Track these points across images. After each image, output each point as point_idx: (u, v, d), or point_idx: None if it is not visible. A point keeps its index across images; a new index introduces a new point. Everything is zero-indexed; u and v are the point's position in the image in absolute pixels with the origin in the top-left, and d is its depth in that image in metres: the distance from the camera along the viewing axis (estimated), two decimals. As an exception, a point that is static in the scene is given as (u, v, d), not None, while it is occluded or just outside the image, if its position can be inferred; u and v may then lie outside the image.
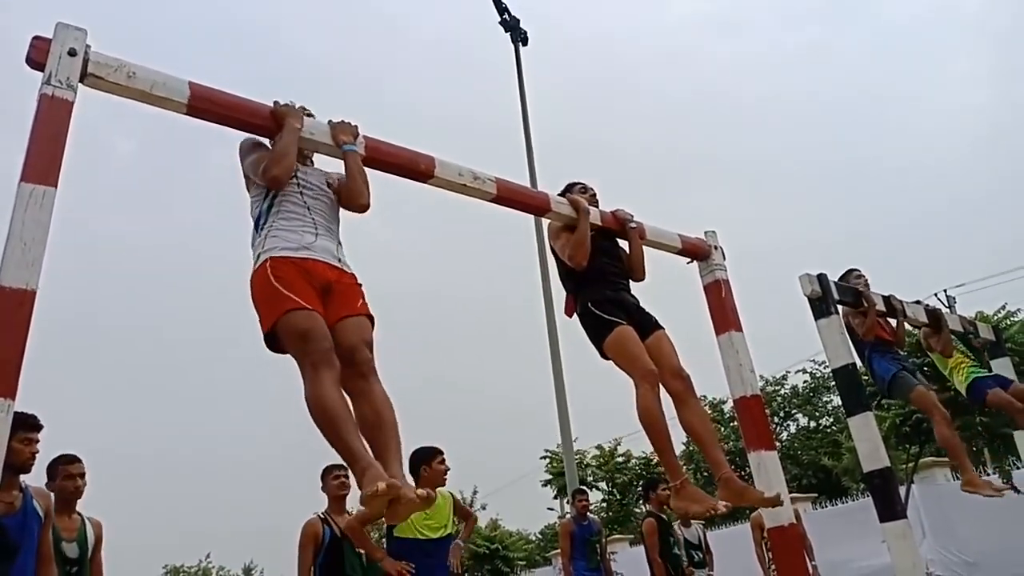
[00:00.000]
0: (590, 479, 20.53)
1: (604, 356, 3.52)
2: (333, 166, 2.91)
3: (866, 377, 5.49)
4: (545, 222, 3.76)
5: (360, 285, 2.69)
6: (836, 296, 4.72)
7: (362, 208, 2.76)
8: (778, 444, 29.90)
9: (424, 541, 3.92)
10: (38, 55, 2.25)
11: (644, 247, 3.77)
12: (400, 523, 3.88)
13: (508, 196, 3.24)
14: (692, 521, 7.22)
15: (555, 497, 22.14)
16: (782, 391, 31.31)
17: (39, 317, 2.01)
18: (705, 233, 4.02)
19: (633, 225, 3.68)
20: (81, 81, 2.31)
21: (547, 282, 12.95)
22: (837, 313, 4.64)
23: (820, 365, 29.62)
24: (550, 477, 20.53)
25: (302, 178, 2.72)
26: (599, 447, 22.59)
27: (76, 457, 3.63)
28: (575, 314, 3.65)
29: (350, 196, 2.75)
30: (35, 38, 2.27)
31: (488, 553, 19.47)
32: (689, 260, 3.99)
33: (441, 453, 4.14)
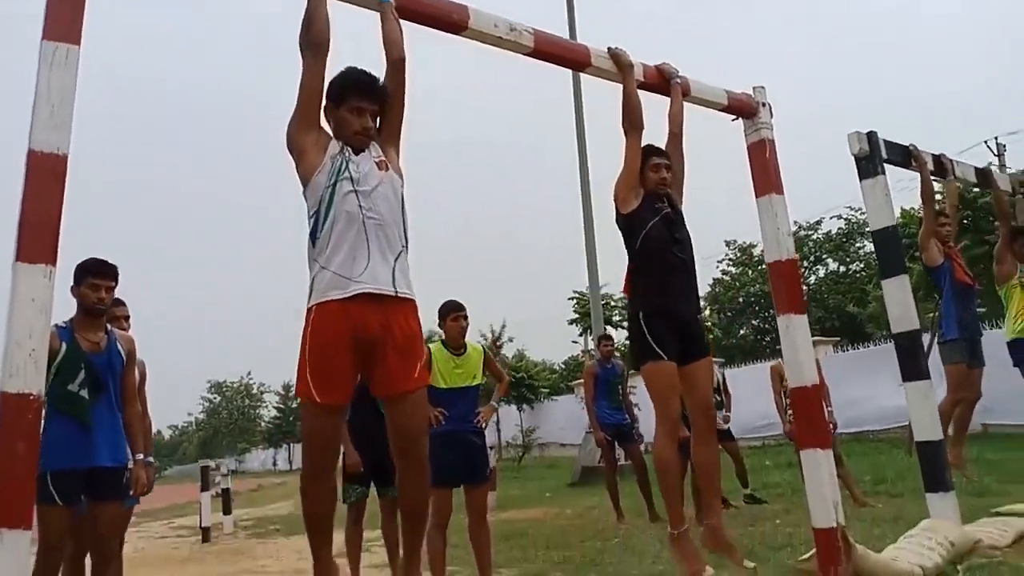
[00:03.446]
0: (616, 319, 21.00)
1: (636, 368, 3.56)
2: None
3: (906, 240, 5.47)
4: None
5: (415, 315, 2.59)
6: (884, 155, 4.53)
7: (398, 63, 2.64)
8: (805, 288, 30.15)
9: (453, 390, 4.08)
10: None
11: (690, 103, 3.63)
12: (435, 375, 4.06)
13: (546, 50, 3.07)
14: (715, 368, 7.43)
15: (580, 335, 22.80)
16: (815, 236, 31.11)
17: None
18: (753, 89, 3.81)
19: (677, 80, 3.49)
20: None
21: (581, 127, 12.62)
22: (883, 173, 4.48)
23: (857, 211, 29.15)
24: (576, 317, 21.01)
25: (354, 172, 2.52)
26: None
27: (105, 269, 3.39)
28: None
29: (386, 51, 2.62)
30: None
31: (514, 381, 20.40)
32: (734, 117, 3.82)
33: (458, 310, 4.17)
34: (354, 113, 2.57)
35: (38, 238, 1.90)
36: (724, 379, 7.64)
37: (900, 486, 7.13)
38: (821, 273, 30.98)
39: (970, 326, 5.29)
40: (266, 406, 65.06)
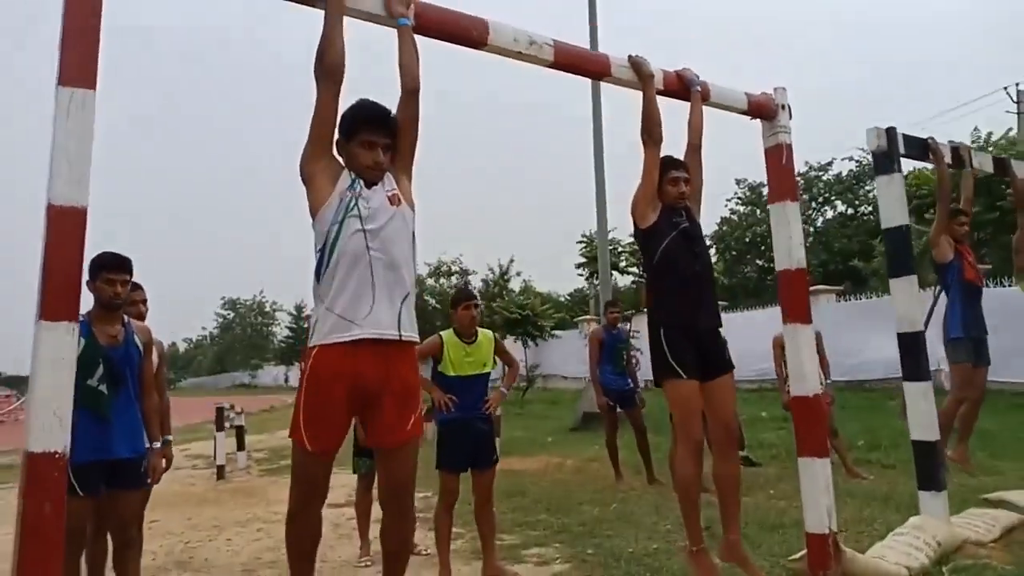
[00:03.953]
0: (622, 264, 20.97)
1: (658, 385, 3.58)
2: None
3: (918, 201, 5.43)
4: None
5: (415, 362, 2.62)
6: (902, 150, 4.48)
7: (412, 92, 2.59)
8: (811, 230, 29.90)
9: (464, 377, 4.16)
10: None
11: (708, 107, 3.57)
12: (445, 363, 4.16)
13: (566, 61, 3.02)
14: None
15: (587, 279, 22.78)
16: (824, 177, 30.71)
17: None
18: (775, 90, 3.74)
19: (697, 88, 3.43)
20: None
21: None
22: (900, 171, 4.44)
23: (869, 154, 28.67)
24: (584, 261, 20.97)
25: (363, 209, 2.47)
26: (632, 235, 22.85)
27: (121, 264, 3.41)
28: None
29: (401, 79, 2.58)
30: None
31: (520, 319, 20.58)
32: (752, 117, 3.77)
33: (468, 299, 4.22)
34: (365, 147, 2.53)
35: (60, 297, 1.92)
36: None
37: (893, 455, 7.29)
38: (829, 215, 30.72)
39: (976, 325, 5.29)
40: (278, 324, 66.15)
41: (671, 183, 3.53)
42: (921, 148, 4.68)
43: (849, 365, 14.77)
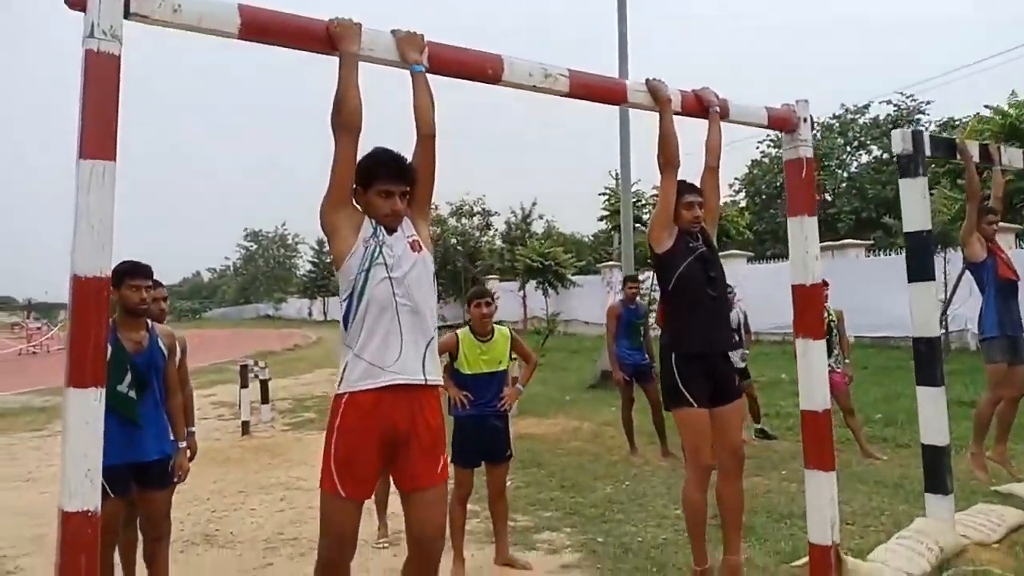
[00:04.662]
0: (645, 217, 20.79)
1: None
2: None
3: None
4: None
5: (439, 404, 2.64)
6: (928, 152, 4.40)
7: (428, 139, 2.60)
8: (845, 175, 29.29)
9: (479, 375, 4.25)
10: (76, -2, 2.05)
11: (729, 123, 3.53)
12: (461, 360, 4.25)
13: (583, 91, 2.98)
14: (735, 303, 7.52)
15: (610, 232, 22.64)
16: (861, 120, 29.96)
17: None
18: (796, 102, 3.67)
19: (716, 108, 3.38)
20: (125, 18, 2.12)
21: (623, 25, 12.03)
22: (925, 175, 4.37)
23: (907, 98, 27.85)
24: (607, 214, 20.81)
25: (388, 257, 2.51)
26: (656, 187, 22.54)
27: (142, 271, 3.53)
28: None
29: (416, 125, 2.59)
30: (72, -24, 2.05)
31: (542, 268, 20.65)
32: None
33: (480, 297, 4.28)
34: (383, 196, 2.55)
35: (87, 363, 2.01)
36: (746, 317, 7.74)
37: (909, 433, 7.33)
38: (864, 159, 30.09)
39: (1011, 323, 5.22)
40: (301, 257, 66.85)
41: (686, 207, 3.53)
42: (948, 148, 4.59)
43: (875, 323, 14.72)
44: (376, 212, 2.58)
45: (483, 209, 32.94)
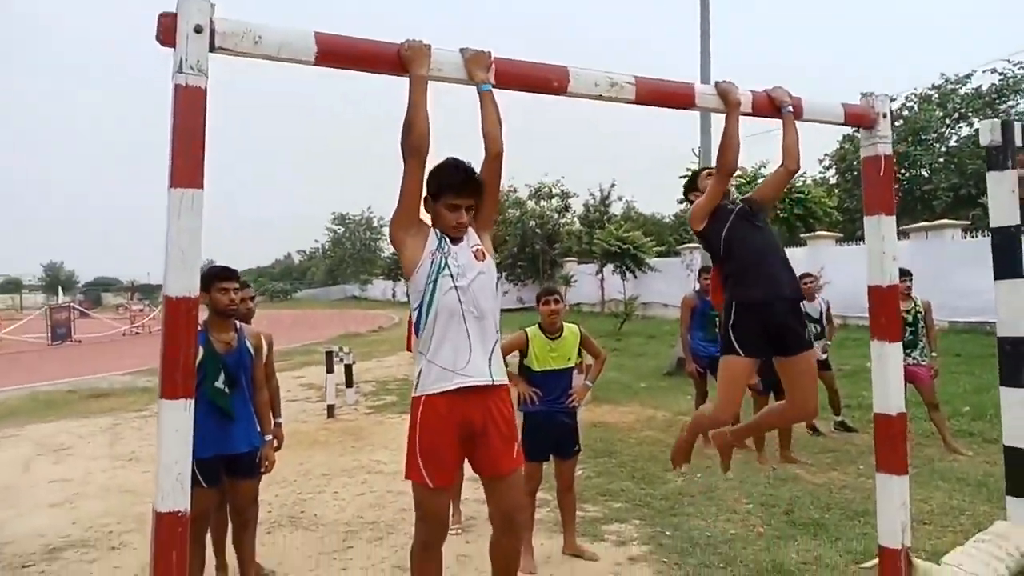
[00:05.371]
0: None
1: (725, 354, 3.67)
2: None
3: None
4: None
5: (510, 398, 2.81)
6: (1020, 143, 4.19)
7: (495, 157, 2.69)
8: (943, 149, 27.80)
9: (548, 372, 4.33)
10: (166, 34, 2.20)
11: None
12: (531, 358, 4.35)
13: (650, 97, 2.99)
14: (816, 294, 7.36)
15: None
16: (962, 91, 28.35)
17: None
18: (875, 97, 3.57)
19: (789, 109, 3.32)
20: (210, 51, 2.27)
21: (706, 23, 11.82)
22: (1014, 167, 4.17)
23: (1015, 65, 26.18)
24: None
25: (453, 267, 2.68)
26: (741, 167, 22.02)
27: (229, 274, 3.75)
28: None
29: (485, 144, 2.68)
30: (161, 15, 2.19)
31: (620, 252, 20.51)
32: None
33: (547, 294, 4.34)
34: (450, 209, 2.70)
35: (178, 378, 2.18)
36: (828, 308, 7.57)
37: (998, 428, 6.98)
38: (964, 132, 28.48)
39: None
40: (385, 240, 68.40)
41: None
42: (1043, 139, 4.35)
43: (972, 306, 14.05)
44: (443, 223, 2.72)
45: (562, 191, 32.86)
